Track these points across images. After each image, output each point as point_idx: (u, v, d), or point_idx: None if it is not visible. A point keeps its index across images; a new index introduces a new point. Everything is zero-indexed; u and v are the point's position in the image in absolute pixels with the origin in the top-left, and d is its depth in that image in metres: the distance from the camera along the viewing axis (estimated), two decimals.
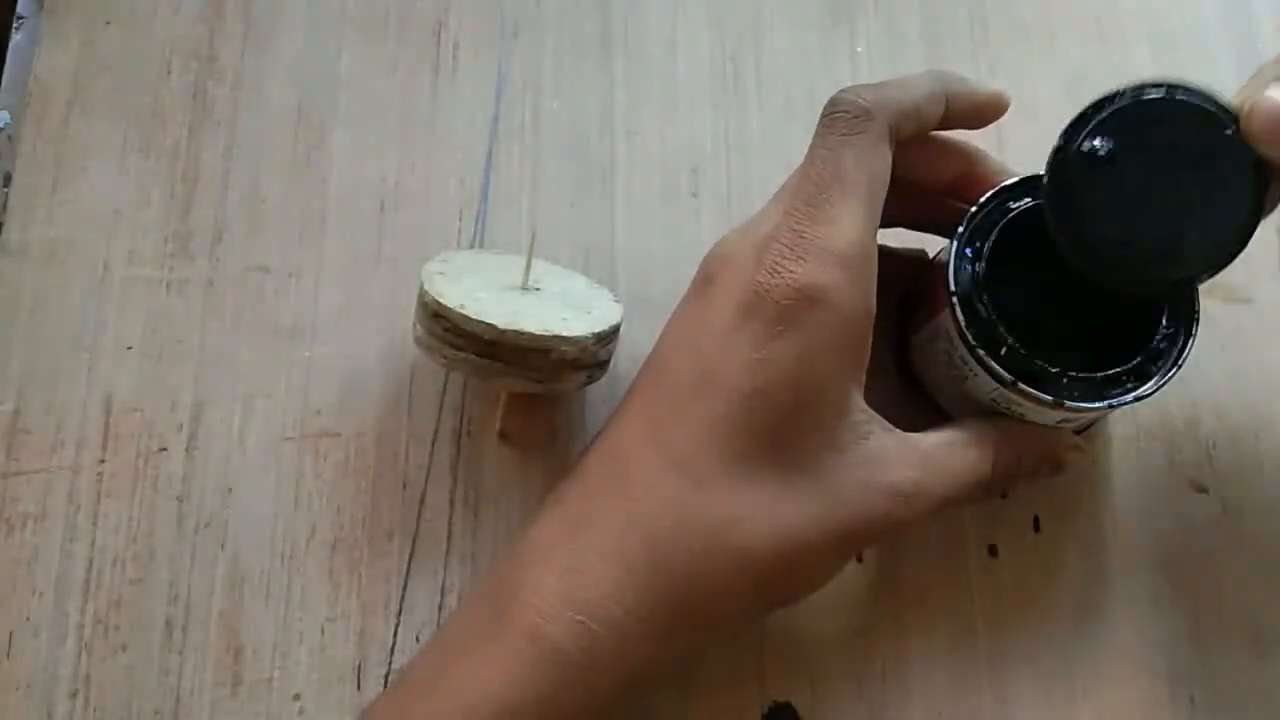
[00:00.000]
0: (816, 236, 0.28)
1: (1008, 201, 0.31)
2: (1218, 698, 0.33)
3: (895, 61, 0.41)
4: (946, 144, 0.33)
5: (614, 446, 0.29)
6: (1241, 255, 0.28)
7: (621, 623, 0.26)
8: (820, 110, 0.29)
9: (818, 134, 0.29)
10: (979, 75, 0.40)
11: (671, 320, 0.31)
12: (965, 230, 0.30)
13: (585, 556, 0.27)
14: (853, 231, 0.28)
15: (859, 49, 0.41)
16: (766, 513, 0.27)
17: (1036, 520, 0.35)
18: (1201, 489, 0.35)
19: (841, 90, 0.29)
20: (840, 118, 0.29)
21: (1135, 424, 0.36)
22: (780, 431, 0.27)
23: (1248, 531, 0.35)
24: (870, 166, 0.29)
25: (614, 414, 0.31)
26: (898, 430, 0.29)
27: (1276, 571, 0.34)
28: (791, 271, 0.27)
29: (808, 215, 0.28)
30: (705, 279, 0.30)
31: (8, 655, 0.32)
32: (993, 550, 0.34)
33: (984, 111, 0.32)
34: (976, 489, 0.30)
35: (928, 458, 0.29)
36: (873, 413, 0.29)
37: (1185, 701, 0.33)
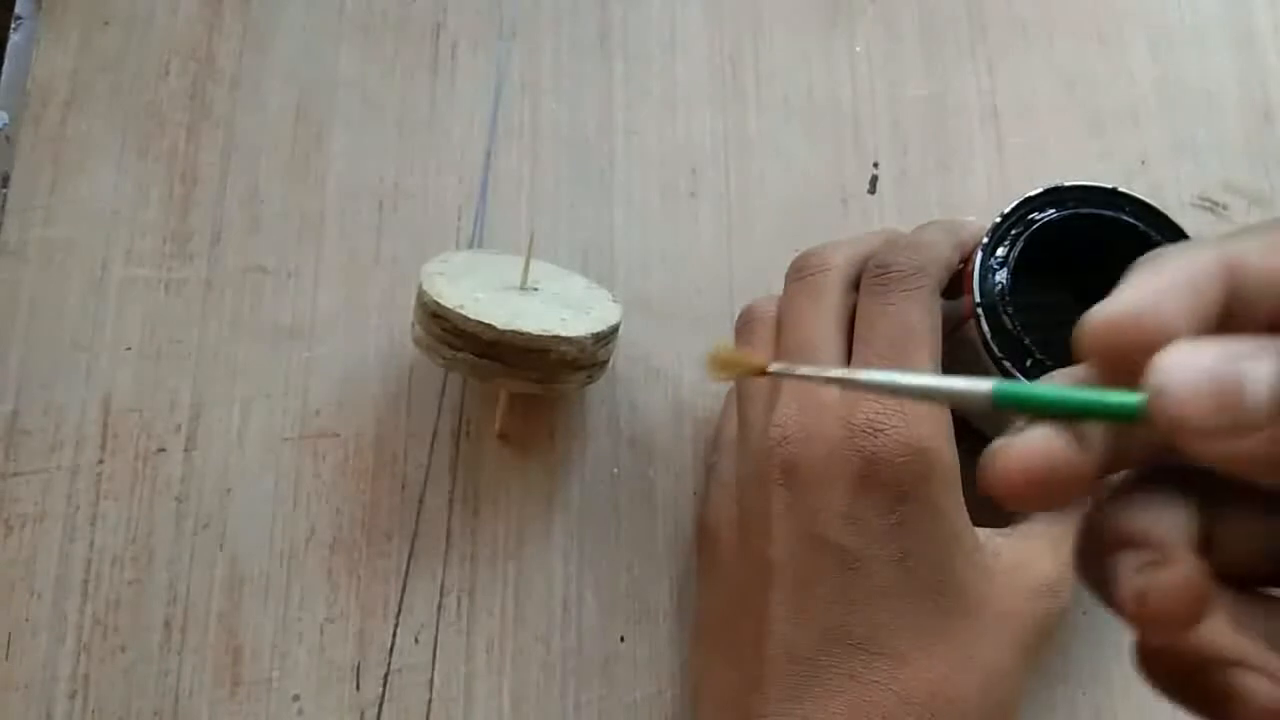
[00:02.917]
0: None
1: (1031, 213, 0.31)
2: None
3: (894, 61, 0.41)
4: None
5: (790, 652, 0.28)
6: None
7: None
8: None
9: (869, 294, 0.30)
10: (978, 75, 0.41)
11: (761, 515, 0.29)
12: (990, 241, 0.31)
13: None
14: None
15: (858, 49, 0.41)
16: (966, 662, 0.27)
17: None
18: None
19: (881, 254, 0.30)
20: (895, 277, 0.30)
21: None
22: (942, 583, 0.27)
23: None
24: (931, 318, 0.30)
25: (741, 612, 0.30)
26: (1008, 532, 0.30)
27: None
28: (895, 427, 0.27)
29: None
30: (785, 467, 0.29)
31: (7, 655, 0.32)
32: None
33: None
34: None
35: (1052, 544, 0.29)
36: (984, 529, 0.29)
37: None
